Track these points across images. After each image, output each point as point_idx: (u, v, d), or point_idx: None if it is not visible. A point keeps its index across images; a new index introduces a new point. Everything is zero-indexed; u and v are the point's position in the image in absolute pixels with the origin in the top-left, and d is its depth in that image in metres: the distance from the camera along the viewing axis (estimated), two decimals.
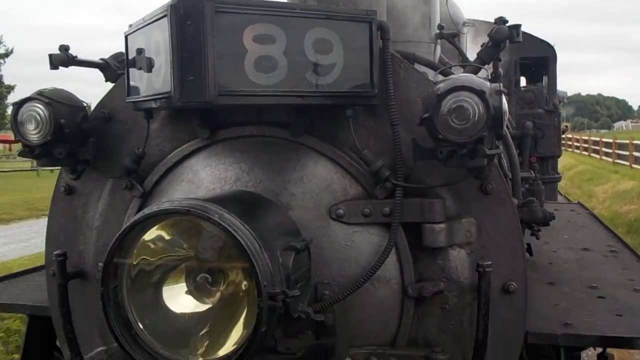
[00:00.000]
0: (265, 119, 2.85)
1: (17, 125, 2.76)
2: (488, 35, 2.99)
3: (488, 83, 2.43)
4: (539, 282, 3.79)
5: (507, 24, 2.93)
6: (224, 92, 2.32)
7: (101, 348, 2.78)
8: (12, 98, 52.26)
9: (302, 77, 2.48)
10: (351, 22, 2.59)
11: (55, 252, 2.99)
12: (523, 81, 11.51)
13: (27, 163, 45.25)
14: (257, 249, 2.10)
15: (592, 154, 43.31)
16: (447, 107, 2.38)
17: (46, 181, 33.07)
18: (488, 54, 3.06)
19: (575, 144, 53.93)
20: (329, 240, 2.71)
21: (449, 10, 6.55)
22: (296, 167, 2.79)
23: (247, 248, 2.07)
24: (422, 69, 3.96)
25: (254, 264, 2.07)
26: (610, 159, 36.67)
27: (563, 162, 38.25)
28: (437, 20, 4.99)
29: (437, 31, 4.94)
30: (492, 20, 8.89)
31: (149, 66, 2.49)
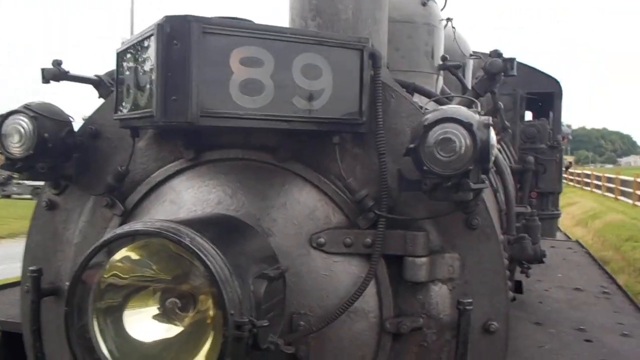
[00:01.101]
0: (252, 142, 2.81)
1: (0, 138, 2.73)
2: (482, 68, 2.97)
3: (477, 115, 2.39)
4: (526, 321, 3.71)
5: (502, 57, 2.90)
6: (206, 114, 2.28)
7: None
8: None
9: (289, 101, 2.44)
10: (342, 48, 2.56)
11: (30, 268, 2.93)
12: (529, 115, 11.52)
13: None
14: (226, 275, 2.04)
15: (620, 197, 33.67)
16: (433, 138, 2.34)
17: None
18: (483, 87, 3.04)
19: (596, 182, 42.79)
20: (308, 269, 2.65)
21: (455, 43, 6.56)
22: (280, 193, 2.74)
23: (216, 274, 2.02)
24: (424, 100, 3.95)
25: (222, 291, 2.01)
26: None
27: (585, 206, 29.20)
28: (441, 52, 4.98)
29: (440, 62, 4.93)
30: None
31: (137, 84, 2.47)
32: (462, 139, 2.31)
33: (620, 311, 4.10)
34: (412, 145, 2.37)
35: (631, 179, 31.76)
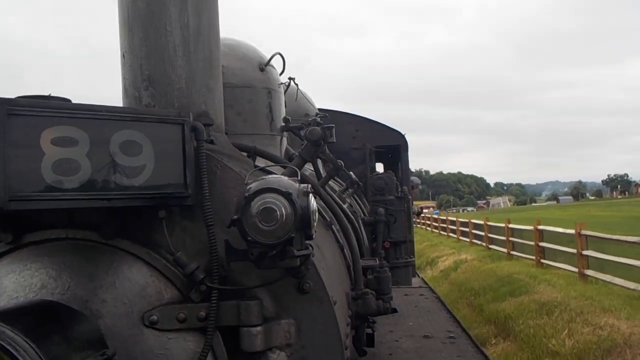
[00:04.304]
0: (76, 221, 2.72)
1: None
2: (304, 136, 3.08)
3: (296, 184, 2.47)
4: None
5: (321, 126, 3.03)
6: (16, 197, 2.19)
7: None
8: None
9: (108, 179, 2.40)
10: (162, 124, 2.57)
11: None
12: (381, 167, 12.05)
13: None
14: None
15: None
16: (255, 208, 2.38)
17: None
18: (308, 153, 3.15)
19: (478, 233, 28.47)
20: (142, 350, 2.56)
21: (299, 103, 6.78)
22: (108, 272, 2.65)
23: None
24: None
25: None
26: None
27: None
28: (282, 114, 5.11)
29: (283, 124, 5.05)
30: (344, 110, 9.40)
31: None
32: (282, 208, 2.37)
33: (463, 355, 4.31)
34: (235, 217, 2.40)
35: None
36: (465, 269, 21.84)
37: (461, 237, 33.84)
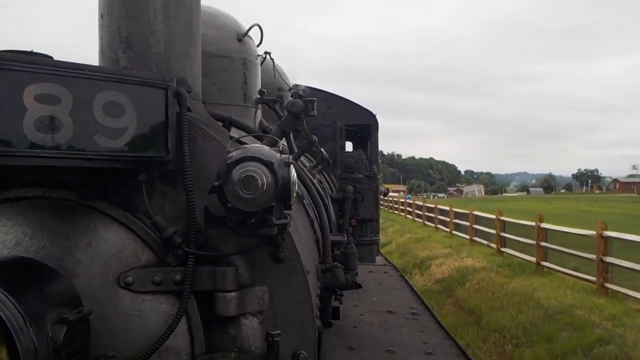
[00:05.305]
0: (54, 180, 2.70)
1: None
2: (285, 108, 3.10)
3: (278, 154, 2.50)
4: (340, 347, 3.89)
5: (303, 98, 3.05)
6: None
7: None
8: None
9: (90, 139, 2.40)
10: (146, 87, 2.56)
11: None
12: (350, 146, 12.10)
13: None
14: (20, 323, 1.96)
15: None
16: (237, 176, 2.41)
17: None
18: (288, 125, 3.17)
19: (483, 229, 22.30)
20: (116, 310, 2.59)
21: (275, 76, 6.75)
22: (85, 233, 2.66)
23: (8, 322, 1.93)
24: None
25: (15, 340, 1.92)
26: None
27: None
28: (258, 86, 5.10)
29: (258, 96, 5.04)
30: (317, 87, 9.33)
31: None
32: (264, 177, 2.40)
33: (425, 330, 4.44)
34: (216, 183, 2.42)
35: None
36: (477, 284, 15.04)
37: (454, 232, 26.49)
